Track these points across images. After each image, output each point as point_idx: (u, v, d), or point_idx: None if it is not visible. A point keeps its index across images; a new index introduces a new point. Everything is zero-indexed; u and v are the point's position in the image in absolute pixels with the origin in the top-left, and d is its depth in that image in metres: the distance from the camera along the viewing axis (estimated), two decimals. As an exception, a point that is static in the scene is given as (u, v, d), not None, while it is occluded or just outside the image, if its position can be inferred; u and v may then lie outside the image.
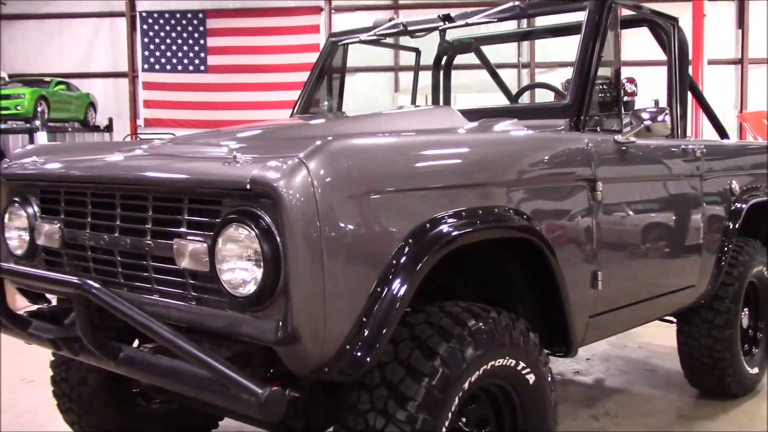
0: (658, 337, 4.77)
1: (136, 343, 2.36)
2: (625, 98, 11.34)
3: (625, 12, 3.27)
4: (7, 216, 2.68)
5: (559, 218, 2.57)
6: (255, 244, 1.86)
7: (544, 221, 2.47)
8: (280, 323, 1.85)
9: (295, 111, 3.91)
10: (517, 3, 3.21)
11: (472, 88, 11.22)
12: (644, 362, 4.62)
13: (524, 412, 2.35)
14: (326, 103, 4.09)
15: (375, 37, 3.74)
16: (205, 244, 1.97)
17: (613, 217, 2.82)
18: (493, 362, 2.17)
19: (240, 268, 1.91)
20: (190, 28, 24.20)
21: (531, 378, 2.32)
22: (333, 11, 23.39)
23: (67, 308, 2.52)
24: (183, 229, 2.06)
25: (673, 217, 3.24)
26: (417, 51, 4.08)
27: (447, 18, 3.44)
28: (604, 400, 3.95)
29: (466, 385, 2.09)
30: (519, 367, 2.27)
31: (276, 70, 23.81)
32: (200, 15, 24.40)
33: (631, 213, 2.95)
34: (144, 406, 3.14)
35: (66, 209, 2.49)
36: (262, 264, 1.85)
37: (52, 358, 3.04)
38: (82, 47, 24.58)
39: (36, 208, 2.60)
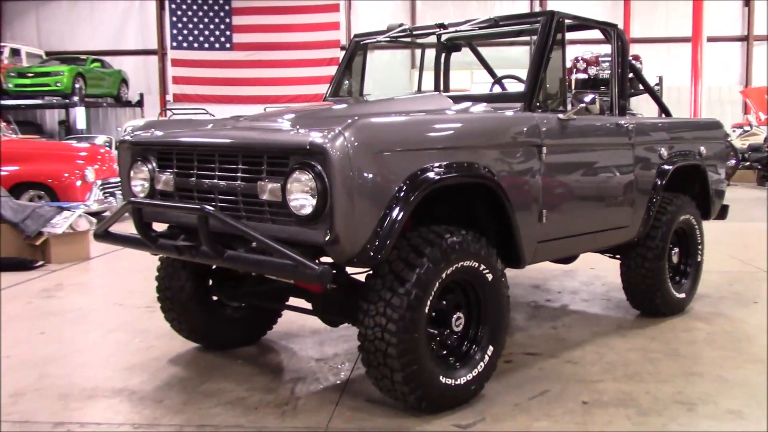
0: (619, 278, 5.92)
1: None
2: (631, 74, 12.58)
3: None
4: (132, 171, 3.89)
5: (514, 172, 3.73)
6: (311, 183, 3.03)
7: (503, 173, 3.63)
8: (328, 231, 3.04)
9: (327, 95, 5.07)
10: (493, 17, 4.37)
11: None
12: (603, 294, 5.79)
13: (485, 300, 3.54)
14: (348, 84, 5.21)
15: (388, 39, 4.89)
16: (278, 184, 3.16)
17: (555, 173, 3.98)
18: (462, 263, 3.35)
19: (301, 198, 3.08)
20: (216, 7, 25.23)
21: (489, 276, 3.50)
22: (352, -9, 24.37)
23: (175, 233, 3.74)
24: (264, 176, 3.24)
25: (607, 174, 4.40)
26: (423, 48, 5.24)
27: (441, 26, 4.62)
28: (564, 317, 5.13)
29: (443, 275, 3.27)
30: (480, 268, 3.45)
31: (298, 48, 24.87)
32: None
33: (570, 170, 4.11)
34: (222, 309, 4.35)
35: (178, 164, 3.68)
36: (316, 195, 3.03)
37: (158, 273, 4.26)
38: (114, 26, 25.68)
39: (154, 164, 3.79)
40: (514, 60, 18.07)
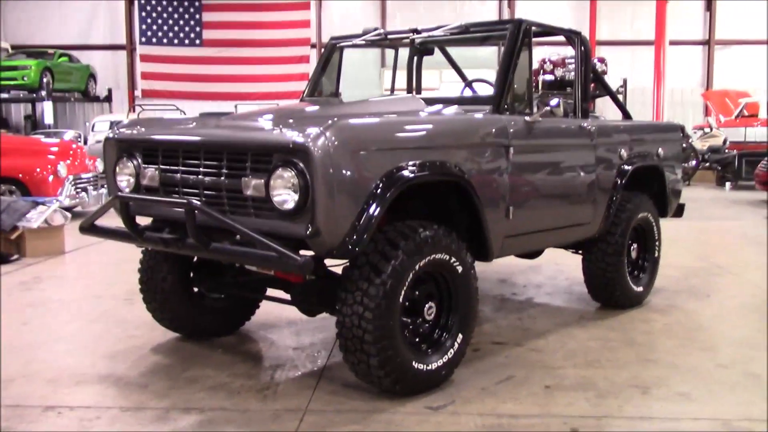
0: (581, 273, 6.19)
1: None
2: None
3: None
4: (118, 167, 4.05)
5: (483, 171, 3.96)
6: (294, 180, 3.23)
7: (473, 172, 3.86)
8: (309, 225, 3.24)
9: (305, 95, 5.26)
10: (464, 23, 4.61)
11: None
12: (566, 288, 6.07)
13: (456, 291, 3.77)
14: (322, 84, 5.39)
15: (364, 42, 5.09)
16: (262, 180, 3.35)
17: (522, 172, 4.22)
18: (434, 255, 3.57)
19: (284, 194, 3.27)
20: (186, 3, 25.12)
21: (459, 268, 3.73)
22: (323, -10, 24.48)
23: (160, 226, 3.92)
24: (248, 172, 3.43)
25: (570, 174, 4.66)
26: (396, 50, 5.45)
27: (415, 31, 4.84)
28: (529, 309, 5.39)
29: (416, 267, 3.49)
30: (451, 261, 3.68)
31: (268, 45, 24.89)
32: None
33: (536, 169, 4.36)
34: (202, 300, 4.53)
35: (162, 161, 3.85)
36: (298, 191, 3.23)
37: (140, 266, 4.42)
38: (82, 20, 25.43)
39: (140, 160, 3.96)
40: (482, 59, 18.40)
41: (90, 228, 4.10)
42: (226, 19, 24.86)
